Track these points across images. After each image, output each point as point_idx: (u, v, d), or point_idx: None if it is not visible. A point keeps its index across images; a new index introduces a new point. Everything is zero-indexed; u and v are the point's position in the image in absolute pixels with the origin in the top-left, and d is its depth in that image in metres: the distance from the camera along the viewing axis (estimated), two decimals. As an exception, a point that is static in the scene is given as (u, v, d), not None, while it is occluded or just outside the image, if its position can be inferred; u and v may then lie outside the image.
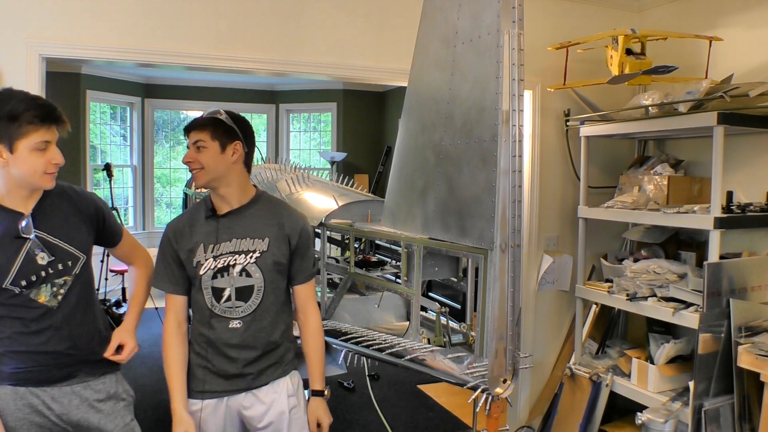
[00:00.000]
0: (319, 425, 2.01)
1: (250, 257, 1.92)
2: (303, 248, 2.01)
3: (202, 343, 1.95)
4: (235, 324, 1.92)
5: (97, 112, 6.99)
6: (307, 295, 2.05)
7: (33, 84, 2.50)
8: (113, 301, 5.93)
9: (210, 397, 1.95)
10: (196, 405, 1.95)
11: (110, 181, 5.60)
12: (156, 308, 5.94)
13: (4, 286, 1.72)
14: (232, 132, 1.91)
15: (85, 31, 2.60)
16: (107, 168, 5.58)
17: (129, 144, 7.41)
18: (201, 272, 1.91)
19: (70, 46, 2.59)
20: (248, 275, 1.92)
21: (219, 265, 1.91)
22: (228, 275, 1.91)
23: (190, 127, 1.92)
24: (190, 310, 2.01)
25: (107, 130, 7.23)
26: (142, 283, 2.11)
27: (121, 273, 5.79)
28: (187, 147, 1.94)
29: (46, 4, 2.54)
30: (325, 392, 2.02)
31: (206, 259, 1.91)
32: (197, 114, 2.02)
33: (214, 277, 1.91)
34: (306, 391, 2.07)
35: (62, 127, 1.72)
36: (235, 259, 1.91)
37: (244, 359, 1.94)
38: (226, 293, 1.91)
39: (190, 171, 1.93)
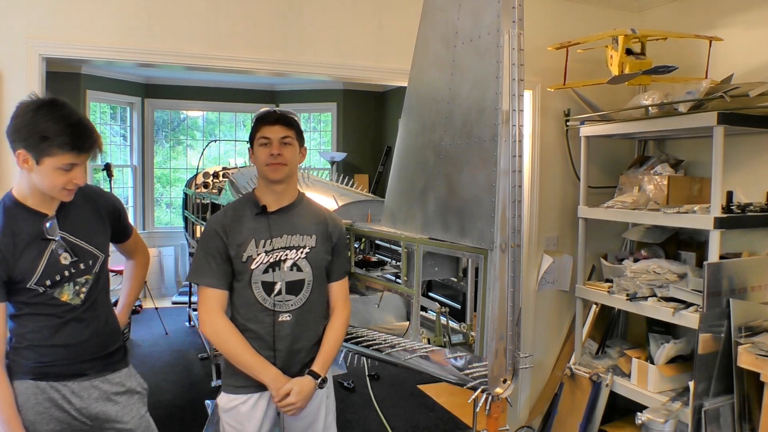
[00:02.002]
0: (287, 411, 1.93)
1: (301, 252, 2.00)
2: (341, 247, 2.12)
3: (248, 339, 1.98)
4: (285, 317, 1.98)
5: (97, 112, 6.99)
6: (339, 291, 2.13)
7: (33, 84, 2.50)
8: (113, 301, 5.92)
9: (253, 392, 1.99)
10: (238, 400, 1.99)
11: (110, 181, 5.59)
12: (156, 308, 5.98)
13: (28, 286, 1.76)
14: (303, 135, 2.07)
15: (85, 31, 2.60)
16: (107, 168, 5.57)
17: (129, 144, 7.41)
18: (252, 267, 1.96)
19: (70, 46, 2.59)
20: (299, 269, 2.00)
21: (271, 260, 1.97)
22: (279, 270, 1.97)
23: (276, 121, 1.97)
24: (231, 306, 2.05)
25: (107, 130, 7.22)
26: (139, 277, 2.22)
27: (121, 273, 5.79)
28: (264, 138, 1.96)
29: (46, 4, 2.55)
30: (321, 381, 1.98)
31: (258, 254, 1.96)
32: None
33: (266, 271, 1.97)
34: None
35: (94, 154, 1.74)
36: (287, 254, 1.99)
37: (292, 352, 1.99)
38: (277, 287, 1.97)
39: (272, 164, 1.95)
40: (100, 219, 1.92)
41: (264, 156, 1.96)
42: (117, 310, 2.12)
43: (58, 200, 1.80)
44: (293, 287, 1.99)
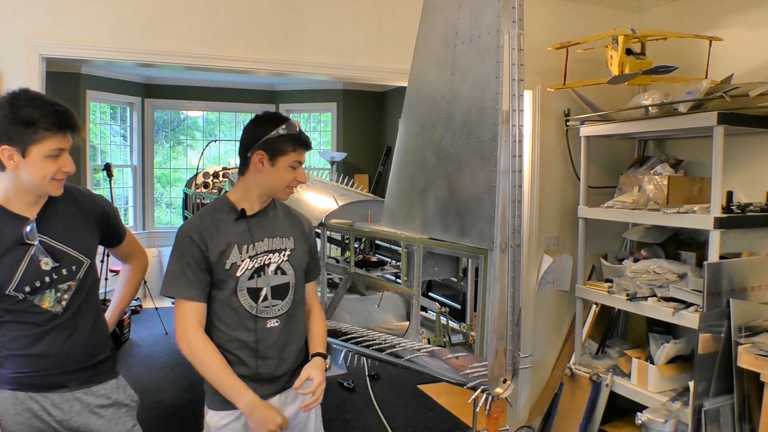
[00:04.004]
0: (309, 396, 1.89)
1: (283, 255, 1.94)
2: (314, 247, 2.08)
3: (235, 349, 1.88)
4: (273, 323, 1.91)
5: (97, 112, 6.98)
6: (313, 291, 2.11)
7: (33, 84, 2.50)
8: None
9: None
10: (230, 416, 1.87)
11: (110, 181, 5.59)
12: (156, 308, 5.98)
13: (7, 293, 1.70)
14: None
15: (85, 31, 2.60)
16: (107, 168, 5.57)
17: (129, 144, 7.40)
18: (238, 274, 1.86)
19: (70, 46, 2.59)
20: (283, 273, 1.93)
21: (255, 265, 1.89)
22: (264, 274, 1.90)
23: (308, 146, 1.91)
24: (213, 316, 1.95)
25: (107, 130, 7.22)
26: (133, 284, 2.12)
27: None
28: (297, 162, 1.89)
29: (46, 4, 2.54)
30: (327, 360, 1.96)
31: (242, 260, 1.87)
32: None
33: (251, 277, 1.88)
34: None
35: (77, 134, 1.70)
36: (270, 258, 1.92)
37: (282, 359, 1.93)
38: (263, 293, 1.89)
39: (293, 186, 1.92)
40: (87, 223, 1.84)
41: (290, 178, 1.89)
42: (106, 315, 2.03)
43: (41, 203, 1.74)
44: (279, 291, 1.92)
